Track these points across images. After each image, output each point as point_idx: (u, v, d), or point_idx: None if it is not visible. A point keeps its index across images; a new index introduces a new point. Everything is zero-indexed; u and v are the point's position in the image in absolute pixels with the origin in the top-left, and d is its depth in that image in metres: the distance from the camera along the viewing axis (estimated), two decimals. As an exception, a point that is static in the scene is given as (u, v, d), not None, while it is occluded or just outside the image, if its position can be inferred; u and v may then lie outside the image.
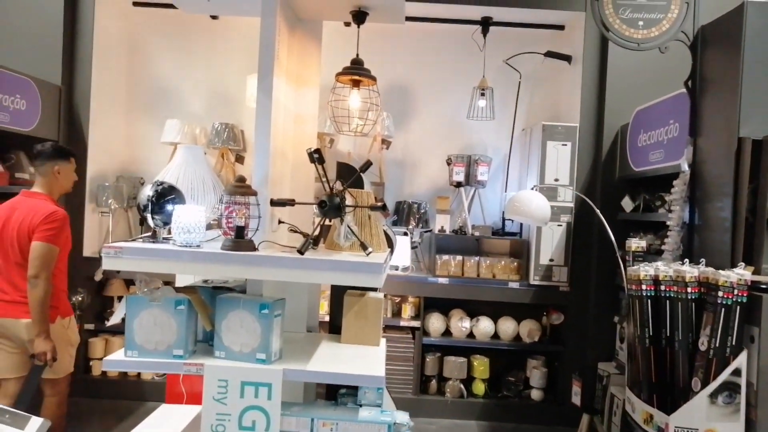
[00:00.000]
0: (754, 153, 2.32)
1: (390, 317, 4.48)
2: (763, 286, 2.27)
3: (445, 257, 4.42)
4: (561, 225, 4.26)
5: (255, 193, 2.02)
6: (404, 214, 4.50)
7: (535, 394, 4.50)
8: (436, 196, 4.69)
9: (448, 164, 4.55)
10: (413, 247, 4.52)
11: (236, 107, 4.87)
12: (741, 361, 2.23)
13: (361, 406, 2.10)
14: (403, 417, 2.14)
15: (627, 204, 3.90)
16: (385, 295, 4.43)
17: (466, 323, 4.47)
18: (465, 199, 4.60)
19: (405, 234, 4.40)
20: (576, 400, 3.60)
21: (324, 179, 2.09)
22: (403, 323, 4.44)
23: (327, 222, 2.20)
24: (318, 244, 2.19)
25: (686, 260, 2.48)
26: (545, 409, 4.43)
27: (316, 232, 2.12)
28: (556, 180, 4.20)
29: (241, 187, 2.00)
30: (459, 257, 4.42)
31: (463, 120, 4.72)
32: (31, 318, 2.82)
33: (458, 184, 4.54)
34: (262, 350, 1.96)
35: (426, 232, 4.61)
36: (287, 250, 2.04)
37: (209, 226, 2.41)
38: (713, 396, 2.23)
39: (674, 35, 2.71)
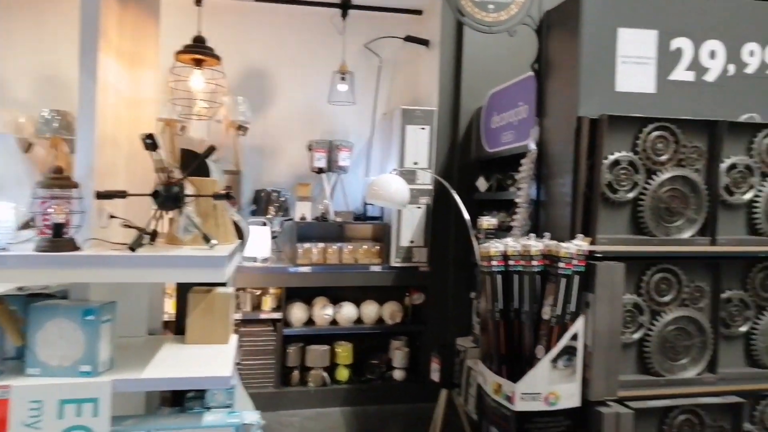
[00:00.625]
0: (591, 131, 2.47)
1: (250, 311, 4.29)
2: (598, 255, 2.43)
3: (307, 245, 4.32)
4: (420, 207, 4.33)
5: (75, 185, 1.77)
6: (263, 202, 4.33)
7: (398, 375, 4.56)
8: (297, 183, 4.56)
9: (309, 150, 4.44)
10: (273, 237, 4.36)
11: (71, 92, 4.38)
12: (578, 326, 2.38)
13: (209, 409, 1.95)
14: (252, 417, 2.01)
15: (482, 184, 4.05)
16: (243, 289, 4.25)
17: (329, 310, 4.41)
18: (327, 186, 4.53)
19: (264, 224, 4.24)
20: (435, 376, 3.68)
21: (159, 168, 1.89)
22: (263, 316, 4.27)
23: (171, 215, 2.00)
24: (155, 239, 1.98)
25: (532, 235, 2.60)
26: (408, 388, 4.50)
27: (152, 226, 1.91)
28: (416, 163, 4.27)
29: (58, 179, 1.75)
30: (321, 245, 4.34)
31: (324, 105, 4.63)
32: None
33: (320, 171, 4.46)
34: (87, 361, 1.73)
35: (287, 220, 4.47)
36: (119, 248, 1.82)
37: (26, 226, 2.10)
38: (554, 361, 2.36)
39: (521, 19, 2.82)
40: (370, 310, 4.51)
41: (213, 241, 1.90)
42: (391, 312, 4.52)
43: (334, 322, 4.46)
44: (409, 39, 4.58)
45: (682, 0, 2.61)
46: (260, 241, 4.18)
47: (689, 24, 2.59)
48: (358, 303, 4.52)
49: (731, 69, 2.63)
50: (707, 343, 2.55)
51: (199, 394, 2.02)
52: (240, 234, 2.44)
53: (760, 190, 2.58)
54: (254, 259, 4.21)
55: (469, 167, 4.25)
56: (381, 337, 4.63)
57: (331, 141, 4.43)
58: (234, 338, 2.21)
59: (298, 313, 4.35)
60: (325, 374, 4.42)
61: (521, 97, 3.27)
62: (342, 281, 4.36)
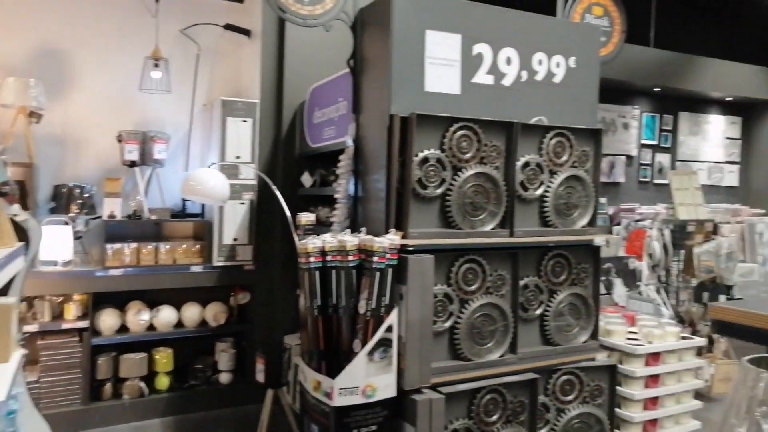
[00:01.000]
0: (403, 129, 2.54)
1: (49, 321, 3.83)
2: (410, 249, 2.51)
3: (118, 246, 3.96)
4: (244, 203, 4.18)
5: None
6: (64, 199, 3.88)
7: (224, 378, 4.39)
8: (105, 177, 4.14)
9: (120, 141, 4.06)
10: (77, 238, 3.93)
11: None
12: (393, 318, 2.45)
13: None
14: None
15: (306, 180, 4.02)
16: (40, 297, 3.79)
17: (146, 315, 4.09)
18: (140, 180, 4.18)
19: (65, 223, 3.80)
20: (260, 377, 3.60)
21: None
22: (66, 326, 3.84)
23: None
24: None
25: (348, 230, 2.62)
26: (235, 391, 4.35)
27: None
28: (238, 157, 4.10)
29: None
30: (134, 244, 4.00)
31: (136, 93, 4.26)
32: None
33: (132, 164, 4.10)
34: None
35: (93, 218, 4.05)
36: None
37: None
38: (370, 354, 2.40)
39: (336, 14, 2.82)
40: (191, 312, 4.27)
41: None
42: (214, 313, 4.32)
43: (151, 327, 4.16)
44: (229, 27, 4.38)
45: (483, 7, 2.79)
46: (60, 243, 3.74)
47: (488, 31, 2.78)
48: (178, 306, 4.25)
49: (524, 75, 2.88)
50: (509, 326, 2.76)
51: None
52: (23, 235, 2.15)
53: (549, 186, 2.85)
54: (54, 263, 3.76)
55: (293, 162, 4.19)
56: (205, 340, 4.41)
57: (145, 132, 4.10)
58: (17, 355, 1.93)
59: (108, 320, 3.98)
60: (143, 384, 4.10)
61: (341, 93, 3.28)
62: (159, 283, 4.07)
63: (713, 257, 4.85)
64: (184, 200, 4.37)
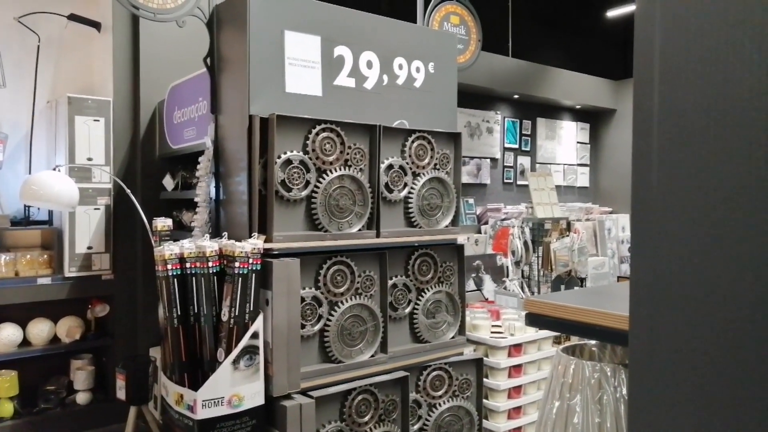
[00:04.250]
0: (263, 130, 2.49)
1: None
2: (275, 252, 2.47)
3: (-54, 257, 3.50)
4: (99, 208, 3.87)
5: None
6: None
7: (82, 398, 4.03)
8: (-74, 179, 3.66)
9: (-57, 139, 3.60)
10: None
11: None
12: (258, 324, 2.39)
13: None
14: None
15: (168, 183, 3.81)
16: None
17: (-17, 335, 3.66)
18: (-27, 184, 3.73)
19: None
20: (120, 394, 3.35)
21: None
22: None
23: None
24: None
25: (207, 235, 2.51)
26: (95, 411, 4.01)
27: None
28: (90, 159, 3.79)
29: None
30: (-34, 255, 3.56)
31: (-36, 85, 3.80)
32: None
33: (-39, 165, 3.64)
34: None
35: None
36: None
37: None
38: (236, 362, 2.33)
39: (190, 10, 2.70)
40: (40, 329, 3.88)
41: None
42: (68, 328, 3.96)
43: (-12, 347, 3.72)
44: (73, 18, 4.03)
45: (342, 11, 2.80)
46: None
47: (349, 34, 2.80)
48: (23, 323, 3.84)
49: (385, 79, 2.94)
50: (378, 326, 2.80)
51: None
52: None
53: (412, 188, 2.94)
54: None
55: (154, 164, 3.96)
56: (57, 357, 4.02)
57: (-24, 131, 3.66)
58: None
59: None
60: (-19, 413, 3.66)
61: (201, 93, 3.15)
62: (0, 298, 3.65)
63: (567, 252, 5.27)
64: (27, 206, 3.96)
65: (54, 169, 3.29)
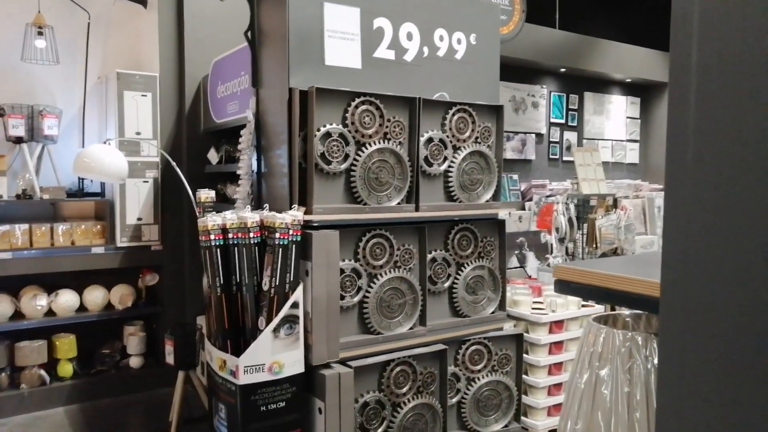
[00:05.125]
0: (303, 103, 2.51)
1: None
2: (315, 224, 2.50)
3: (6, 227, 3.68)
4: (147, 181, 4.00)
5: None
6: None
7: (134, 362, 4.23)
8: (-13, 155, 3.84)
9: (1, 116, 3.76)
10: (-41, 219, 3.64)
11: None
12: (298, 294, 2.44)
13: None
14: None
15: (213, 156, 3.89)
16: None
17: (43, 300, 3.86)
18: (30, 158, 3.89)
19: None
20: (170, 359, 3.49)
21: None
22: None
23: None
24: None
25: (248, 207, 2.56)
26: (145, 375, 4.21)
27: None
28: (138, 133, 3.91)
29: None
30: (25, 226, 3.74)
31: (19, 63, 3.94)
32: None
33: (18, 140, 3.81)
34: None
35: (-23, 198, 3.76)
36: None
37: None
38: (276, 330, 2.39)
39: (233, -16, 2.71)
40: (95, 296, 4.07)
41: None
42: (120, 296, 4.14)
43: (51, 313, 3.93)
44: (122, -5, 4.13)
45: (382, -19, 2.77)
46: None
47: (388, 5, 2.77)
48: (80, 289, 4.04)
49: (426, 51, 2.90)
50: (417, 299, 2.81)
51: None
52: None
53: (453, 162, 2.91)
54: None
55: (199, 138, 4.05)
56: (111, 323, 4.22)
57: (32, 106, 3.81)
58: None
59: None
60: (43, 372, 3.89)
61: (243, 67, 3.18)
62: (57, 266, 3.84)
63: (614, 229, 5.14)
64: (81, 179, 4.12)
65: (104, 143, 3.41)
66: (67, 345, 3.98)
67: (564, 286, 0.91)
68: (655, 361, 0.87)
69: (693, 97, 0.62)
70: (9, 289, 3.84)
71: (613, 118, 8.42)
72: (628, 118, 8.61)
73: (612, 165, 8.34)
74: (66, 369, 4.00)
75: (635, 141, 8.73)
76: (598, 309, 3.57)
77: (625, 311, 1.08)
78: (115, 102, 3.84)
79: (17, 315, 3.83)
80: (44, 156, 4.02)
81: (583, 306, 3.49)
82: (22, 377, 3.83)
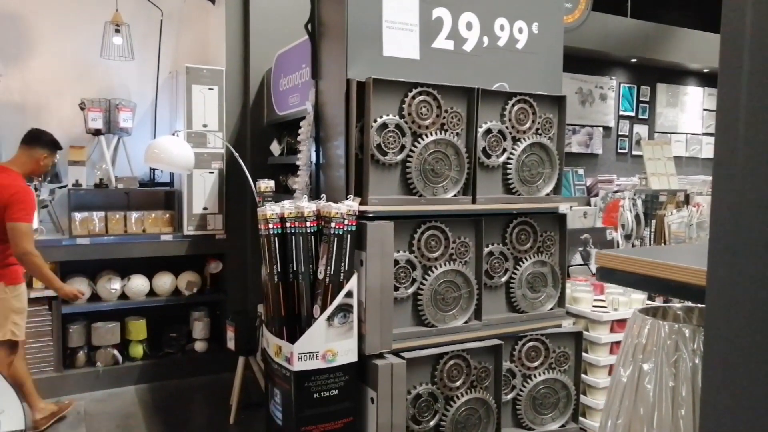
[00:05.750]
0: (360, 95, 2.52)
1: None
2: (370, 215, 2.51)
3: (85, 214, 3.92)
4: (213, 172, 4.15)
5: None
6: (28, 167, 3.81)
7: (199, 346, 4.41)
8: (69, 146, 4.07)
9: (83, 109, 3.99)
10: (43, 206, 3.89)
11: None
12: (352, 284, 2.46)
13: None
14: (15, 423, 1.78)
15: (275, 148, 3.99)
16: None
17: (116, 284, 4.08)
18: (106, 149, 4.11)
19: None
20: (231, 344, 3.62)
21: None
22: (35, 294, 3.81)
23: None
24: None
25: (305, 197, 2.61)
26: (210, 359, 4.38)
27: None
28: (205, 126, 4.05)
29: None
30: (101, 213, 3.96)
31: (98, 59, 4.16)
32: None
33: (97, 132, 4.03)
34: None
35: (60, 187, 4.01)
36: None
37: None
38: (330, 319, 2.42)
39: (294, -22, 2.76)
40: (164, 281, 4.26)
41: None
42: (187, 282, 4.32)
43: (123, 296, 4.15)
44: (192, -8, 4.28)
45: (443, -29, 2.74)
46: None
47: (448, -5, 2.74)
48: (150, 275, 4.24)
49: (486, 41, 2.85)
50: (473, 293, 2.77)
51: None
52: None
53: (512, 154, 2.85)
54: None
55: (262, 130, 4.15)
56: (179, 308, 4.42)
57: (110, 100, 4.02)
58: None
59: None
60: (116, 352, 4.12)
61: (304, 59, 3.23)
62: (130, 252, 4.05)
63: (684, 226, 4.90)
64: (152, 169, 4.32)
65: (173, 135, 3.55)
66: (138, 327, 4.20)
67: (607, 274, 0.87)
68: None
69: (744, 85, 0.59)
70: (86, 273, 4.08)
71: (689, 111, 8.01)
72: (704, 110, 8.17)
73: (686, 160, 7.95)
74: (137, 350, 4.22)
75: (712, 135, 8.27)
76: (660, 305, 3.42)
77: (677, 303, 1.02)
78: (184, 95, 4.00)
79: (94, 297, 4.07)
80: (119, 147, 4.24)
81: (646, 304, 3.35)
82: (98, 356, 4.07)
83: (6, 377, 2.77)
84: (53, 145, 3.34)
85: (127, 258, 4.08)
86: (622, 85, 7.41)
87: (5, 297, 3.09)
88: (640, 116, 7.60)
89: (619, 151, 7.47)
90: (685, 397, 0.83)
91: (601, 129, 7.23)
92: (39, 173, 3.37)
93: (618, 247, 5.03)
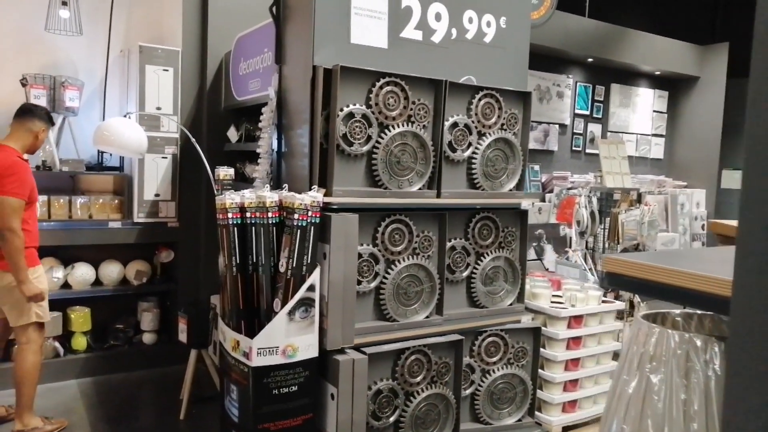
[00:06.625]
0: (327, 81, 2.44)
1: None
2: (334, 207, 2.44)
3: (26, 197, 3.68)
4: (166, 157, 3.97)
5: None
6: (-37, 145, 3.55)
7: (148, 338, 4.24)
8: (7, 124, 3.81)
9: (24, 86, 3.74)
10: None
11: None
12: (315, 277, 2.39)
13: None
14: None
15: (232, 134, 3.85)
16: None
17: (59, 272, 3.87)
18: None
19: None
20: (182, 337, 3.49)
21: None
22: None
23: None
24: None
25: (267, 186, 2.51)
26: (159, 351, 4.22)
27: None
28: (159, 108, 3.87)
29: None
30: (44, 197, 3.73)
31: (42, 33, 3.91)
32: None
33: (40, 110, 3.79)
34: None
35: (-2, 168, 3.75)
36: None
37: None
38: (291, 313, 2.34)
39: (259, -43, 2.64)
40: (111, 270, 4.07)
41: None
42: (136, 271, 4.14)
43: (66, 285, 3.94)
44: (148, -33, 4.08)
45: (410, -42, 2.68)
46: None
47: (418, -17, 2.68)
48: (96, 263, 4.04)
49: (454, 32, 2.81)
50: (435, 288, 2.74)
51: None
52: None
53: (477, 148, 2.83)
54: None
55: (218, 115, 4.00)
56: (126, 299, 4.24)
57: (54, 77, 3.78)
58: None
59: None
60: (57, 344, 3.91)
61: (267, 44, 3.12)
62: (74, 239, 3.84)
63: (636, 225, 5.04)
64: (100, 152, 4.11)
65: (125, 117, 3.38)
66: (82, 318, 4.00)
67: (615, 280, 0.84)
68: (716, 366, 0.80)
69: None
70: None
71: (640, 111, 8.22)
72: (654, 111, 8.40)
73: (635, 159, 8.17)
74: (80, 342, 4.02)
75: (661, 136, 8.53)
76: (618, 305, 3.49)
77: (675, 310, 1.00)
78: (136, 76, 3.81)
79: (33, 286, 3.83)
80: (65, 128, 4.01)
81: (603, 302, 3.41)
82: (37, 348, 3.84)
83: None
84: (49, 118, 3.22)
85: (72, 245, 3.87)
86: (578, 83, 7.53)
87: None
88: (594, 115, 7.75)
89: (573, 148, 7.60)
90: (698, 410, 0.80)
91: (557, 126, 7.34)
92: (36, 148, 3.20)
93: (570, 243, 5.13)
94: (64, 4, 3.79)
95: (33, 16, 3.94)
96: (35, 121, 3.10)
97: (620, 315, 3.56)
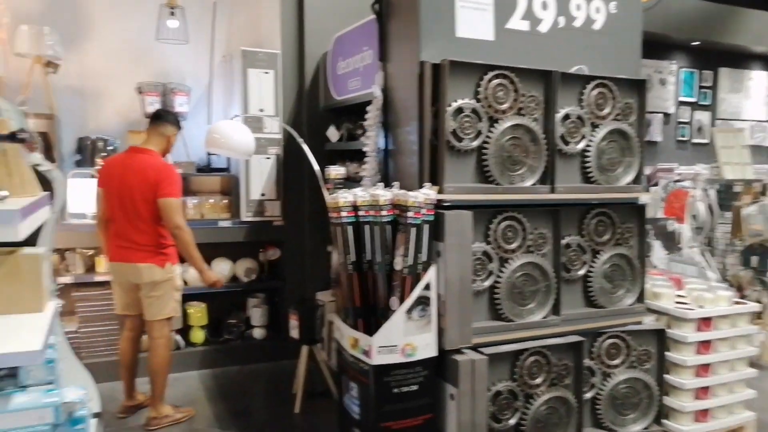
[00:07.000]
0: (434, 77, 2.39)
1: (82, 273, 3.85)
2: (447, 204, 2.39)
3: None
4: (270, 158, 4.08)
5: None
6: (89, 151, 3.82)
7: (258, 333, 4.39)
8: (128, 130, 4.06)
9: (140, 93, 3.96)
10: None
11: None
12: (431, 275, 2.35)
13: (25, 388, 1.65)
14: (74, 393, 1.76)
15: (332, 134, 3.89)
16: (72, 249, 3.78)
17: (177, 270, 4.06)
18: (164, 134, 4.08)
19: (92, 176, 3.76)
20: (294, 333, 3.56)
21: None
22: (99, 278, 3.83)
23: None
24: None
25: (380, 184, 2.50)
26: (269, 346, 4.34)
27: None
28: (261, 110, 3.98)
29: None
30: (161, 199, 3.93)
31: (153, 43, 4.12)
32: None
33: (154, 117, 4.01)
34: None
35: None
36: None
37: None
38: (409, 312, 2.32)
39: (362, -43, 2.64)
40: (222, 267, 4.24)
41: (3, 193, 1.61)
42: (245, 269, 4.29)
43: (183, 282, 4.14)
44: (245, -27, 4.18)
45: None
46: (88, 196, 3.71)
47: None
48: (208, 261, 4.19)
49: (561, 21, 2.68)
50: (551, 287, 2.62)
51: (12, 372, 1.70)
52: (47, 186, 2.10)
53: (591, 140, 2.69)
54: (83, 216, 3.73)
55: (318, 115, 4.06)
56: (237, 295, 4.40)
57: (165, 84, 3.98)
58: (52, 305, 1.89)
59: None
60: (179, 337, 4.13)
61: (366, 42, 3.11)
62: (189, 238, 4.02)
63: (762, 220, 4.61)
64: (208, 154, 4.28)
65: (231, 119, 3.49)
66: (199, 313, 4.20)
67: None
68: None
69: None
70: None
71: (753, 97, 7.61)
72: (770, 95, 7.75)
73: (750, 148, 7.57)
74: (198, 336, 4.22)
75: (779, 121, 7.85)
76: (752, 305, 3.21)
77: None
78: (240, 79, 3.93)
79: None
80: (176, 132, 4.20)
81: (735, 303, 3.14)
82: (160, 341, 4.07)
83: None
84: (178, 123, 3.37)
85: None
86: (682, 69, 7.08)
87: (172, 276, 3.25)
88: (701, 102, 7.27)
89: (678, 138, 7.16)
90: None
91: (660, 115, 6.93)
92: (168, 152, 3.35)
93: (680, 239, 4.78)
94: (172, 14, 3.97)
95: (145, 27, 4.17)
96: (167, 125, 3.24)
97: (758, 316, 3.24)
